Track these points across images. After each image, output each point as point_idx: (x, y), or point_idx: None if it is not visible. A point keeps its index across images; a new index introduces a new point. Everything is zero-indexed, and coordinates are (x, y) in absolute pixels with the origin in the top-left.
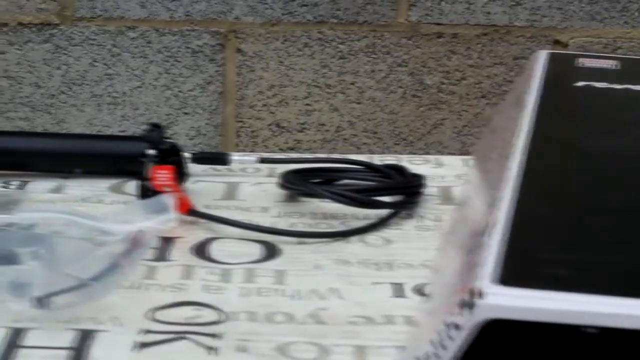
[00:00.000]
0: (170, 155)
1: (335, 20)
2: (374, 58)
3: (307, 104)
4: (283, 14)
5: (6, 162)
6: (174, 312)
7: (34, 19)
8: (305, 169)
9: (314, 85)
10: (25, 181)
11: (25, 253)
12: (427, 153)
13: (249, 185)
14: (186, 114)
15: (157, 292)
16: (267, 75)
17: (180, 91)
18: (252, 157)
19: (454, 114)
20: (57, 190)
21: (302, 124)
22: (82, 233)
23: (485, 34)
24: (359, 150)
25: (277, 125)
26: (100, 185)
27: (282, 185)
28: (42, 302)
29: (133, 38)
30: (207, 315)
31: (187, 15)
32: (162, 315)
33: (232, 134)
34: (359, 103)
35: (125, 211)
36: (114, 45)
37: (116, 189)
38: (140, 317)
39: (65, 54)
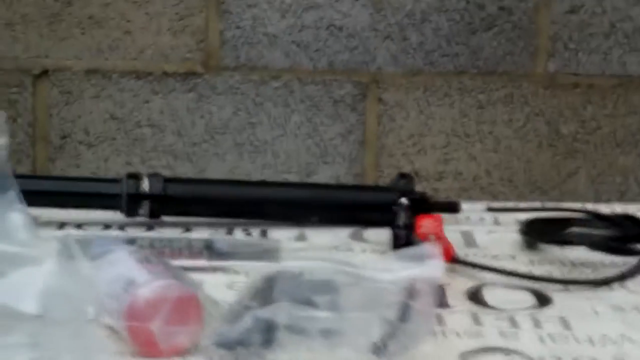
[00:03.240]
0: (420, 204)
1: (475, 70)
2: (511, 107)
3: (446, 153)
4: (424, 64)
5: (246, 210)
6: (485, 358)
7: (179, 68)
8: (540, 218)
9: (453, 135)
10: (264, 230)
11: (323, 301)
12: (562, 201)
13: (484, 234)
14: (326, 162)
15: (457, 338)
16: (407, 124)
17: (321, 140)
18: (481, 205)
19: (588, 163)
20: (300, 238)
21: (440, 172)
22: (350, 281)
23: (620, 85)
24: (495, 199)
25: (416, 174)
26: (340, 234)
27: (527, 233)
28: (380, 349)
29: (276, 87)
30: None
31: (330, 65)
32: None
33: (371, 183)
34: (496, 152)
35: (386, 259)
36: (257, 94)
37: (357, 237)
38: None
39: (209, 102)
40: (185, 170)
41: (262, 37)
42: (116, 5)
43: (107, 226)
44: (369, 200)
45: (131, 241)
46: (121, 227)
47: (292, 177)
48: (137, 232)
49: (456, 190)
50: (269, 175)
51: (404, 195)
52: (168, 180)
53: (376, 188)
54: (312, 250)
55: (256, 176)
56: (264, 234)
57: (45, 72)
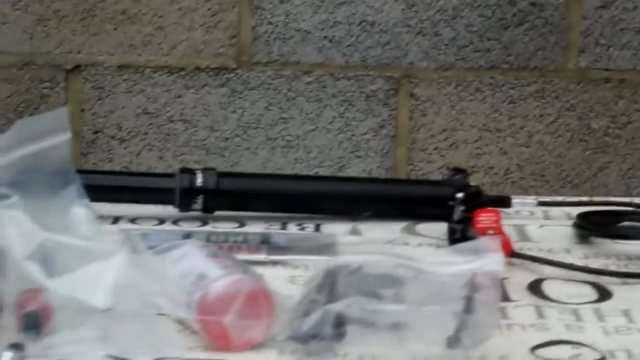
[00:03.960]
0: (475, 199)
1: (507, 66)
2: (543, 103)
3: (477, 148)
4: (456, 60)
5: (300, 205)
6: (554, 351)
7: (212, 63)
8: (592, 211)
9: (485, 129)
10: (317, 224)
11: (388, 294)
12: (592, 196)
13: (536, 228)
14: (358, 157)
15: (523, 331)
16: (438, 119)
17: (353, 135)
18: (532, 199)
19: (619, 157)
20: (354, 232)
21: (472, 167)
22: (411, 275)
23: None
24: (526, 193)
25: (447, 168)
26: (393, 228)
27: (581, 226)
28: (454, 342)
29: (308, 82)
30: (587, 353)
31: (362, 60)
32: (545, 353)
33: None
34: (527, 147)
35: (444, 253)
36: (290, 90)
37: (410, 231)
38: (526, 355)
39: (241, 98)
40: (217, 165)
41: (295, 33)
42: (149, 1)
43: (160, 221)
44: (424, 194)
45: (187, 236)
46: (175, 221)
47: (324, 172)
48: (191, 226)
49: (487, 185)
50: (300, 170)
51: (459, 190)
52: (222, 175)
53: (431, 183)
54: (368, 245)
55: (288, 171)
56: (317, 228)
57: (77, 68)
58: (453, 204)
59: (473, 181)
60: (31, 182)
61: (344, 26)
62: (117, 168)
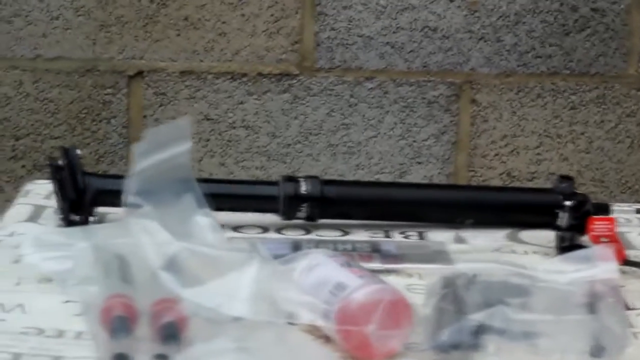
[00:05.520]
0: (582, 207)
1: (568, 72)
2: (603, 109)
3: (538, 154)
4: (518, 66)
5: (403, 213)
6: None
7: (274, 70)
8: None
9: (545, 135)
10: (420, 232)
11: (515, 304)
12: None
13: (636, 235)
14: (419, 163)
15: None
16: (500, 125)
17: (414, 141)
18: (631, 207)
19: None
20: (459, 240)
21: (532, 173)
22: (527, 283)
23: None
24: None
25: (508, 174)
26: (496, 235)
27: None
28: (597, 350)
29: (370, 88)
30: None
31: (424, 66)
32: None
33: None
34: (587, 152)
35: (555, 261)
36: (352, 96)
37: (513, 239)
38: None
39: (303, 104)
40: (278, 171)
41: (357, 39)
42: (212, 7)
43: (264, 229)
44: (529, 202)
45: (297, 244)
46: (278, 229)
47: (385, 178)
48: (295, 234)
49: None
50: (361, 177)
51: (567, 197)
52: (325, 183)
53: (535, 190)
54: (478, 253)
55: (349, 177)
56: (421, 236)
57: (140, 74)
58: (562, 212)
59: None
60: (156, 190)
61: (406, 32)
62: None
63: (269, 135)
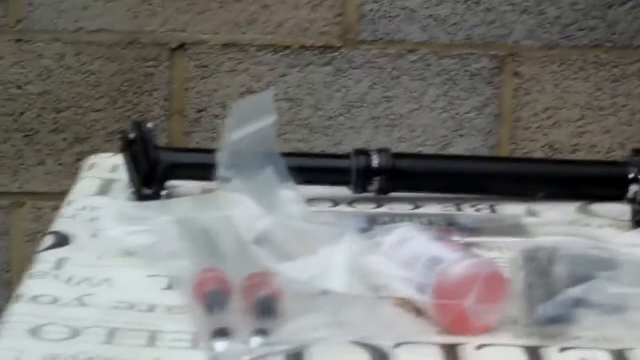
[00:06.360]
0: None
1: (610, 44)
2: None
3: (580, 126)
4: (560, 38)
5: (474, 185)
6: None
7: (317, 42)
8: None
9: (587, 108)
10: (491, 204)
11: (605, 277)
12: None
13: None
14: (461, 135)
15: None
16: (542, 97)
17: (457, 113)
18: None
19: None
20: (531, 213)
21: (574, 145)
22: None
23: None
24: None
25: (550, 146)
26: (567, 209)
27: None
28: None
29: (413, 61)
30: None
31: (467, 39)
32: None
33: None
34: (629, 125)
35: (632, 235)
36: (394, 68)
37: (584, 212)
38: None
39: (345, 76)
40: (321, 143)
41: (400, 11)
42: None
43: (334, 202)
44: (602, 174)
45: (373, 218)
46: (349, 203)
47: (427, 151)
48: (367, 208)
49: None
50: (404, 149)
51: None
52: (396, 156)
53: (608, 163)
54: (552, 226)
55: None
56: (492, 209)
57: (182, 46)
58: (637, 185)
59: None
60: (242, 164)
61: (449, 4)
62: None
63: (311, 108)
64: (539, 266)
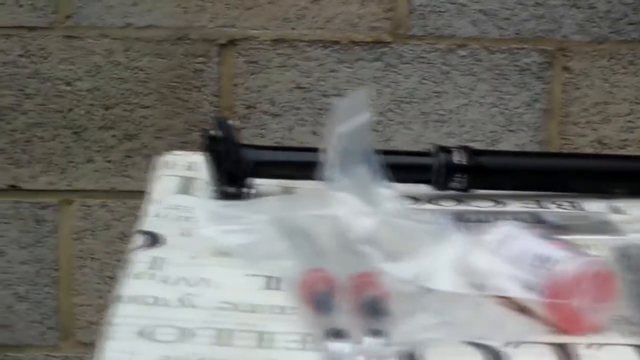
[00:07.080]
0: None
1: None
2: None
3: (630, 121)
4: (610, 33)
5: (555, 182)
6: None
7: (366, 37)
8: None
9: (637, 103)
10: (571, 202)
11: None
12: None
13: None
14: (511, 131)
15: None
16: (591, 92)
17: (506, 109)
18: None
19: None
20: (614, 210)
21: (624, 140)
22: None
23: None
24: None
25: (599, 142)
26: None
27: None
28: None
29: (463, 56)
30: None
31: (517, 34)
32: None
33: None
34: None
35: None
36: (444, 64)
37: None
38: None
39: (395, 72)
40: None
41: (450, 6)
42: None
43: (415, 199)
44: None
45: (460, 215)
46: (430, 200)
47: (477, 146)
48: (448, 205)
49: None
50: (453, 144)
51: None
52: (477, 153)
53: None
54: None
55: None
56: (573, 206)
57: (231, 42)
58: None
59: None
60: (342, 163)
61: None
62: (268, 143)
63: None
64: (635, 264)
